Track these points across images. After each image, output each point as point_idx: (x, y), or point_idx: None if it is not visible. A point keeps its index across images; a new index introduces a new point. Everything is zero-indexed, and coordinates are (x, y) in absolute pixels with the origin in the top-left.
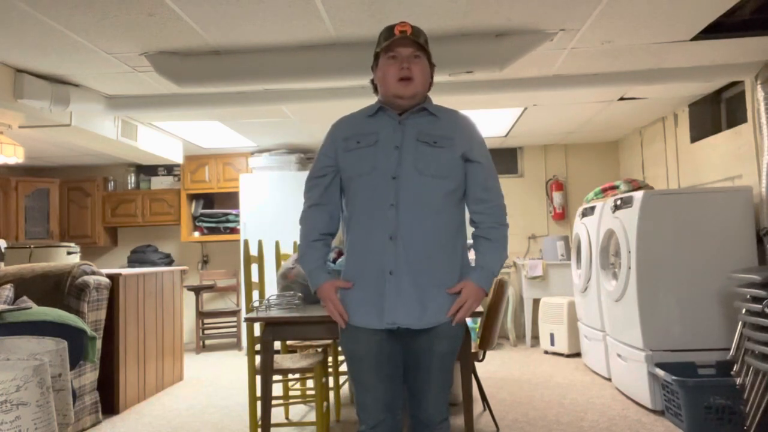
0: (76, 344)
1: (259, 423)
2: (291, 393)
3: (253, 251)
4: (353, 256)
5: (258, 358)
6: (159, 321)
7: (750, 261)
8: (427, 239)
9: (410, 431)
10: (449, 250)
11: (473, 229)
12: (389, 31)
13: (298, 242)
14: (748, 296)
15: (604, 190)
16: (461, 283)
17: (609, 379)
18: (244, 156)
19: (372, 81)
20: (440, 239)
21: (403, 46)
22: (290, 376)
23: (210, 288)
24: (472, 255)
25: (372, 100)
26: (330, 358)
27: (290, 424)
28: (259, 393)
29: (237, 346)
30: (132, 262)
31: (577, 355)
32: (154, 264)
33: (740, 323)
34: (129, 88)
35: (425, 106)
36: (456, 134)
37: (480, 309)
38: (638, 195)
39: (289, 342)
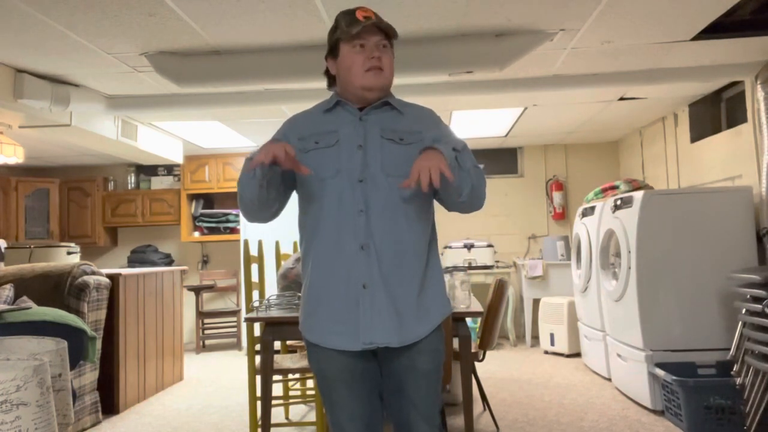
0: (76, 344)
1: (259, 423)
2: (291, 393)
3: (253, 251)
4: (318, 268)
5: (258, 358)
6: (159, 321)
7: (750, 261)
8: (401, 247)
9: None
10: (422, 256)
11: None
12: (350, 16)
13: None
14: (748, 296)
15: (604, 190)
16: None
17: (609, 379)
18: (244, 156)
19: (326, 73)
20: (414, 246)
21: (372, 34)
22: (290, 376)
23: (210, 288)
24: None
25: None
26: None
27: (290, 424)
28: (259, 393)
29: (237, 346)
30: (132, 262)
31: (577, 355)
32: (154, 264)
33: (740, 323)
34: (129, 88)
35: (388, 100)
36: (422, 126)
37: (480, 309)
38: (638, 195)
39: (289, 342)
